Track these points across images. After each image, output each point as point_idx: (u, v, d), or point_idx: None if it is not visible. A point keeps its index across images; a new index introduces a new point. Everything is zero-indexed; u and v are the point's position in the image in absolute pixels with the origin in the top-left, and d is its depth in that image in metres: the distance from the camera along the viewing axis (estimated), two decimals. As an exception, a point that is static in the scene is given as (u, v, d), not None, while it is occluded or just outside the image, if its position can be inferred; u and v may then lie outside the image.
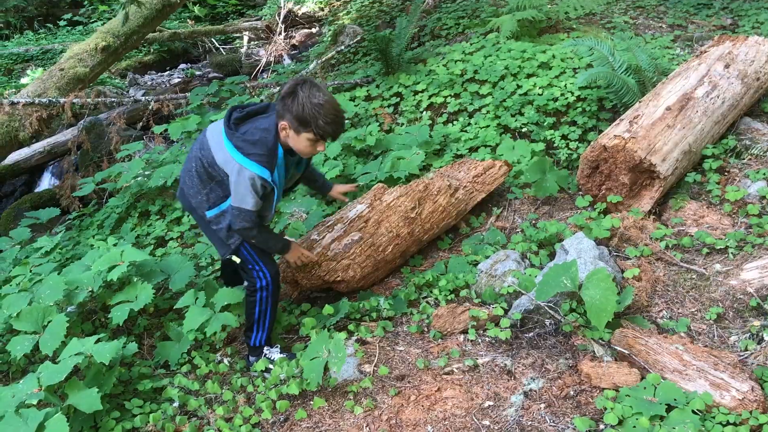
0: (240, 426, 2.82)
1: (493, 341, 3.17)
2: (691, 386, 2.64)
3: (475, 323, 3.24)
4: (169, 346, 3.35)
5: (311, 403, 2.90)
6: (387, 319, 3.43)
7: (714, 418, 2.51)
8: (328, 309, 3.37)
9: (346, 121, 4.82)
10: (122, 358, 3.18)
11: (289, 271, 3.53)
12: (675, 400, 2.56)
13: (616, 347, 2.91)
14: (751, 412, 2.50)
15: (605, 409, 2.62)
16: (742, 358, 2.82)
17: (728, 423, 2.48)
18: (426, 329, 3.33)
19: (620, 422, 2.55)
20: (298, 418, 2.84)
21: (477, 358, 3.07)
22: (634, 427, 2.50)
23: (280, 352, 3.21)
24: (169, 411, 2.95)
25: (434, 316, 3.32)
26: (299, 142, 2.77)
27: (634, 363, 2.82)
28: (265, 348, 3.20)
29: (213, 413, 2.94)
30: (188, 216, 4.80)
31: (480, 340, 3.20)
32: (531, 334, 3.17)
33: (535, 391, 2.86)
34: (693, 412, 2.51)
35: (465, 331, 3.24)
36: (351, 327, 3.34)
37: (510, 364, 3.01)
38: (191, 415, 2.97)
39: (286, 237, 3.57)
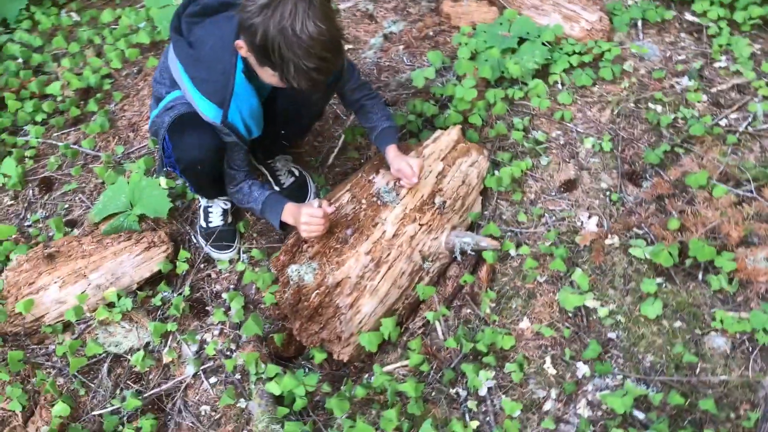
0: (89, 78, 2.69)
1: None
2: (545, 20, 2.65)
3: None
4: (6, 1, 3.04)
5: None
6: None
7: (562, 48, 2.58)
8: None
9: None
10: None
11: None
12: (528, 33, 2.58)
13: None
14: (596, 42, 2.57)
15: (460, 45, 2.63)
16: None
17: (574, 52, 2.55)
18: None
19: (473, 56, 2.58)
20: (150, 67, 2.73)
21: (338, 3, 2.94)
22: (486, 60, 2.53)
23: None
24: (12, 67, 2.76)
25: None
26: (263, 74, 1.72)
27: (494, 2, 2.78)
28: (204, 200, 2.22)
29: (60, 68, 2.78)
30: None
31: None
32: (396, -20, 3.03)
33: (395, 33, 2.82)
34: (543, 44, 2.55)
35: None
36: None
37: (372, 8, 2.91)
38: (37, 71, 2.80)
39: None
